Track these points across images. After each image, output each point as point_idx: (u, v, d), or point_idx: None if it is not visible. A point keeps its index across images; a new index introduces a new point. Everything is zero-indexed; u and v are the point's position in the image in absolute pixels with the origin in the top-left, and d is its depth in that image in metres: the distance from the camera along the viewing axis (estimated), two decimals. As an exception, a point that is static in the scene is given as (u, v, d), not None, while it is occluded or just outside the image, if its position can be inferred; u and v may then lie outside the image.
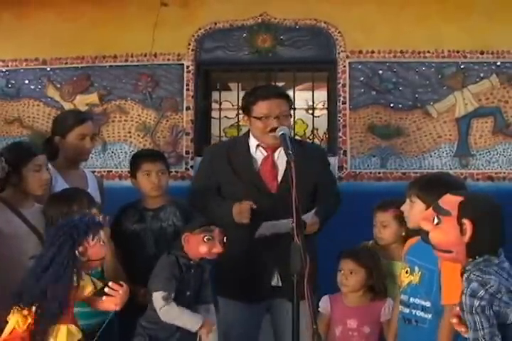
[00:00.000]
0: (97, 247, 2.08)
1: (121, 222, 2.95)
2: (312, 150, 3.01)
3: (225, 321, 2.80)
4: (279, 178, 2.78)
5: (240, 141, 2.94)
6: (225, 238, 2.52)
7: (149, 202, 2.97)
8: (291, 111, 2.93)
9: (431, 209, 1.72)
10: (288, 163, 2.31)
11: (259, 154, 2.83)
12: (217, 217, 2.68)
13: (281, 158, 2.75)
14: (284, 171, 2.70)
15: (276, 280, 2.74)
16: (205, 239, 2.47)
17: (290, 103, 2.86)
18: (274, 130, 2.68)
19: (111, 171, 4.71)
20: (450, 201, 1.67)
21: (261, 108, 2.74)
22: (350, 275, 2.69)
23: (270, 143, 2.78)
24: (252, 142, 2.84)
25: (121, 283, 2.15)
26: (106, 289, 2.12)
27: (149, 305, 2.50)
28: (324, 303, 2.77)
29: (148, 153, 3.18)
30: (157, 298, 2.42)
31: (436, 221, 1.67)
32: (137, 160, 3.00)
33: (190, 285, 2.51)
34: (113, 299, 2.12)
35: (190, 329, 2.43)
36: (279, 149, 2.75)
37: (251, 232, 2.68)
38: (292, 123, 3.21)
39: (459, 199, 1.66)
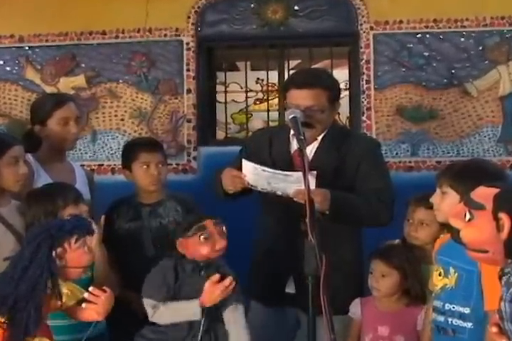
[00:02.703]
0: (79, 253, 2.08)
1: (113, 221, 2.96)
2: (360, 145, 2.88)
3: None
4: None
5: (285, 127, 2.95)
6: (224, 227, 2.50)
7: (145, 197, 2.99)
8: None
9: (461, 203, 1.71)
10: (300, 149, 2.32)
11: (295, 143, 2.84)
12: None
13: (312, 146, 2.78)
14: (311, 159, 2.73)
15: (291, 287, 2.77)
16: (201, 239, 2.45)
17: (330, 94, 2.73)
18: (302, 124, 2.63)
19: (102, 164, 4.74)
20: (484, 193, 1.66)
21: (291, 97, 2.74)
22: (381, 279, 2.70)
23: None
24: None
25: (105, 288, 2.14)
26: (86, 295, 2.11)
27: None
28: (354, 308, 2.77)
29: (146, 142, 3.16)
30: (146, 305, 2.47)
31: (468, 216, 1.65)
32: (133, 149, 3.01)
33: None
34: (95, 307, 2.11)
35: (195, 318, 2.42)
36: (317, 140, 2.79)
37: (277, 231, 2.78)
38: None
39: (495, 191, 1.64)
